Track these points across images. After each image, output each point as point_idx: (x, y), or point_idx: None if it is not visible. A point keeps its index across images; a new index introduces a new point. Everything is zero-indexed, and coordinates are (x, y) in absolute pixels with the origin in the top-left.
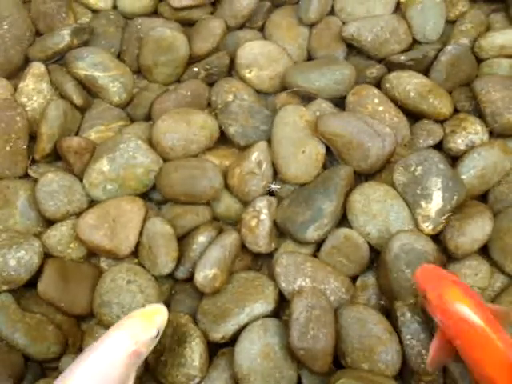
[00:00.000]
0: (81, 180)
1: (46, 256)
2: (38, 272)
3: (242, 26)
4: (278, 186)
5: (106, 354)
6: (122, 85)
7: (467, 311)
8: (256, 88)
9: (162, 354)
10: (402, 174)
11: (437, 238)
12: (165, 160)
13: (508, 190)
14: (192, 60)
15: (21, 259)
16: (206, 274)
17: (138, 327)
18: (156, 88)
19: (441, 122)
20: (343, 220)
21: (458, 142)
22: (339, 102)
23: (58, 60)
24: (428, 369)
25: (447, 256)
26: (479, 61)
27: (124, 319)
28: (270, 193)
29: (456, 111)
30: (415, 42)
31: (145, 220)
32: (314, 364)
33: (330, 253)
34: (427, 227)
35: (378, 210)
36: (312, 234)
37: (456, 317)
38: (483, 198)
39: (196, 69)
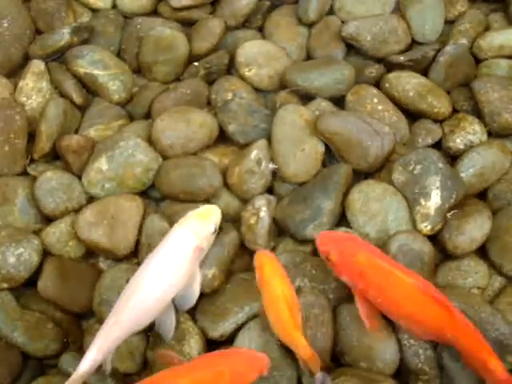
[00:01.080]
0: (80, 178)
1: (45, 254)
2: (38, 270)
3: (241, 26)
4: (276, 166)
5: (174, 252)
6: (121, 83)
7: (367, 259)
8: (255, 86)
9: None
10: (400, 172)
11: (435, 237)
12: (164, 158)
13: (506, 188)
14: (192, 59)
15: (20, 256)
16: (205, 274)
17: (199, 225)
18: (155, 87)
19: (440, 121)
20: (342, 219)
21: (457, 142)
22: (338, 102)
23: (58, 58)
24: (368, 329)
25: (446, 255)
26: (478, 61)
27: (183, 220)
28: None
29: (455, 111)
30: (414, 42)
31: (144, 218)
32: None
33: None
34: (425, 227)
35: (376, 209)
36: (311, 232)
37: (360, 268)
38: (482, 196)
39: (196, 63)
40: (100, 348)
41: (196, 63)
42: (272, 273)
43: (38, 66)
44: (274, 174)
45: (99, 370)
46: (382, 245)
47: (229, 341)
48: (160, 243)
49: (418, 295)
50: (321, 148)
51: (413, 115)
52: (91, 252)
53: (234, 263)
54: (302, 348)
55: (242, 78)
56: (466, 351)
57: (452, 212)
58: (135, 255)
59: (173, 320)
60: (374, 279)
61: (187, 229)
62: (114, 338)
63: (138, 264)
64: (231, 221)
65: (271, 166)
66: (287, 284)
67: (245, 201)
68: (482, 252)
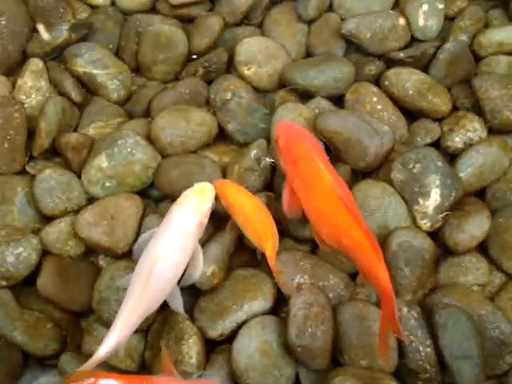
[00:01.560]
0: (79, 176)
1: (45, 253)
2: (37, 269)
3: (240, 23)
4: (272, 160)
5: (179, 231)
6: (120, 82)
7: (304, 150)
8: (254, 85)
9: (159, 351)
10: (400, 171)
11: (435, 234)
12: (163, 156)
13: (506, 187)
14: (191, 57)
15: (19, 256)
16: (203, 271)
17: (198, 202)
18: (154, 85)
19: (439, 120)
20: None
21: (456, 140)
22: (338, 100)
23: (57, 56)
24: (287, 215)
25: (446, 252)
26: (478, 57)
27: (182, 199)
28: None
29: (455, 108)
30: (414, 39)
31: (143, 217)
32: (312, 361)
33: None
34: (425, 224)
35: (376, 208)
36: (310, 230)
37: (295, 156)
38: (481, 195)
39: (194, 56)
40: (120, 332)
41: (194, 56)
42: (238, 193)
43: (36, 64)
44: (274, 171)
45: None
46: (382, 241)
47: (228, 340)
48: (163, 224)
49: (332, 194)
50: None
51: (412, 113)
52: (91, 250)
53: (233, 261)
54: (270, 259)
55: (241, 76)
56: (360, 262)
57: (444, 214)
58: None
59: (179, 294)
60: (303, 169)
61: (188, 207)
62: (133, 322)
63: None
64: (230, 219)
65: (268, 159)
66: (253, 197)
67: None
68: (481, 249)
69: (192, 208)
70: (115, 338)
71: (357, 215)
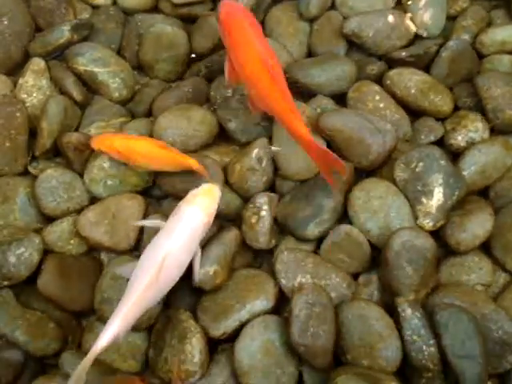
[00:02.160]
0: (81, 176)
1: (47, 253)
2: (38, 268)
3: None
4: (279, 148)
5: (188, 229)
6: (122, 81)
7: (238, 23)
8: None
9: (162, 350)
10: (402, 170)
11: (438, 233)
12: None
13: (509, 186)
14: (192, 57)
15: (21, 256)
16: (206, 271)
17: (205, 202)
18: (157, 84)
19: (442, 119)
20: (344, 217)
21: (459, 139)
22: (340, 99)
23: (58, 56)
24: (228, 84)
25: (448, 252)
26: (480, 57)
27: (190, 198)
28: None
29: (457, 108)
30: (416, 38)
31: (145, 216)
32: (314, 361)
33: (331, 250)
34: (428, 223)
35: (378, 207)
36: (313, 230)
37: (229, 28)
38: (484, 194)
39: (193, 55)
40: (121, 324)
41: (193, 55)
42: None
43: (37, 63)
44: (275, 171)
45: None
46: (385, 241)
47: (231, 339)
48: (171, 221)
49: (258, 60)
50: (322, 145)
51: (415, 112)
52: (93, 249)
53: (236, 261)
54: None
55: None
56: (282, 121)
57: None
58: (137, 250)
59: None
60: (236, 39)
61: (197, 206)
62: (134, 316)
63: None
64: (232, 219)
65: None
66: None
67: (246, 199)
68: (485, 249)
69: (201, 207)
70: (116, 328)
71: (278, 80)
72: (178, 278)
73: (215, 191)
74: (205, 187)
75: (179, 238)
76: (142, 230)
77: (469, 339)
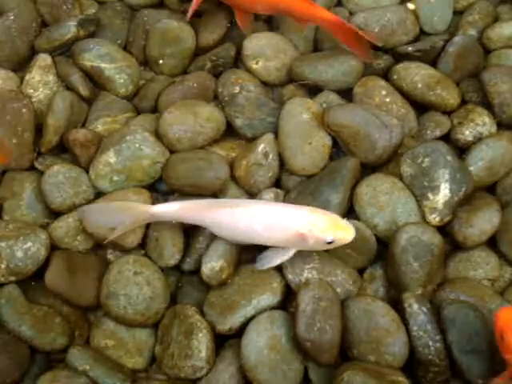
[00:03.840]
0: (87, 172)
1: (53, 248)
2: (45, 263)
3: None
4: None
5: (280, 217)
6: (128, 76)
7: None
8: (262, 79)
9: (168, 345)
10: (409, 165)
11: (444, 228)
12: (171, 152)
13: None
14: (199, 52)
15: (28, 251)
16: (212, 266)
17: (321, 221)
18: (162, 80)
19: (448, 113)
20: (351, 212)
21: (466, 134)
22: (346, 94)
23: (65, 52)
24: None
25: (455, 247)
26: (487, 52)
27: (318, 210)
28: None
29: (464, 102)
30: (423, 33)
31: None
32: (320, 356)
33: None
34: (434, 219)
35: (385, 202)
36: None
37: None
38: (491, 189)
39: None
40: (182, 209)
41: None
42: None
43: (44, 59)
44: (281, 166)
45: None
46: (391, 236)
47: (237, 334)
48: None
49: None
50: (328, 141)
51: (421, 107)
52: (99, 245)
53: (242, 256)
54: None
55: (249, 71)
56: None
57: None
58: (142, 247)
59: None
60: None
61: (308, 216)
62: (195, 218)
63: (146, 255)
64: None
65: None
66: None
67: (252, 194)
68: (491, 244)
69: (310, 219)
70: (177, 206)
71: None
72: (253, 238)
73: (342, 231)
74: (342, 221)
75: (284, 208)
76: (147, 225)
77: (476, 334)
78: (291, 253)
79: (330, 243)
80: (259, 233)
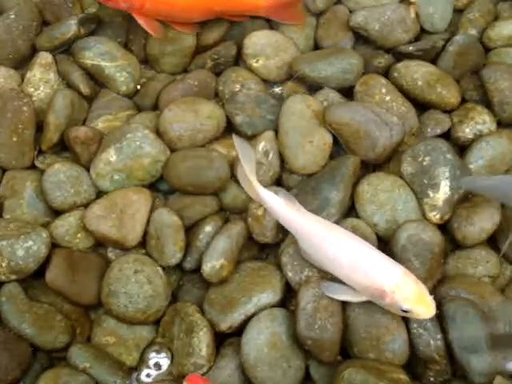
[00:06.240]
0: (88, 170)
1: (54, 246)
2: (46, 262)
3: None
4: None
5: (373, 265)
6: (129, 74)
7: None
8: (263, 77)
9: (170, 342)
10: (409, 163)
11: (444, 226)
12: (172, 150)
13: None
14: (199, 50)
15: (29, 249)
16: (213, 265)
17: (408, 288)
18: (163, 78)
19: (449, 111)
20: (351, 210)
21: (466, 132)
22: (347, 92)
23: (65, 50)
24: (158, 36)
25: (455, 245)
26: (487, 50)
27: (411, 276)
28: None
29: (464, 100)
30: (423, 31)
31: (152, 210)
32: (321, 354)
33: None
34: (434, 217)
35: (385, 200)
36: None
37: None
38: None
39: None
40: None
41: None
42: None
43: (45, 57)
44: (282, 163)
45: None
46: (392, 235)
47: (238, 332)
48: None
49: None
50: (329, 139)
51: (421, 105)
52: (100, 244)
53: (242, 254)
54: None
55: (250, 69)
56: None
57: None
58: (143, 246)
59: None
60: None
61: (402, 274)
62: (304, 235)
63: (147, 254)
64: (239, 212)
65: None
66: None
67: None
68: (492, 242)
69: (398, 280)
70: (273, 198)
71: None
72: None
73: (424, 308)
74: (429, 298)
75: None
76: (148, 223)
77: (476, 332)
78: (362, 299)
79: (404, 311)
80: (343, 266)
